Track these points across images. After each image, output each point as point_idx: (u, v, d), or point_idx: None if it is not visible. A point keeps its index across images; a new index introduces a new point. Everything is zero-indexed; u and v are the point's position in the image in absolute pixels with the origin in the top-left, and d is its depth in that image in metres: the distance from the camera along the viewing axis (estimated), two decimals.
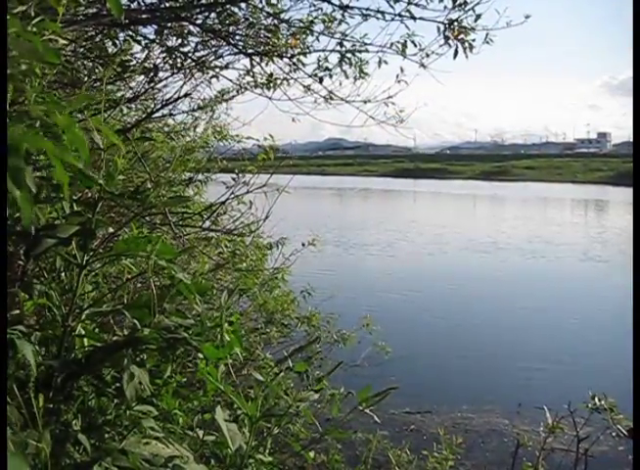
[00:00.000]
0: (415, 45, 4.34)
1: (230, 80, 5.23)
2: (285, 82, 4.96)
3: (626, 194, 73.08)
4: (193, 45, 5.13)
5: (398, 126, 4.91)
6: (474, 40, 4.25)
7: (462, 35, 4.21)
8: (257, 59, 4.88)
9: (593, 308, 17.04)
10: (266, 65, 4.84)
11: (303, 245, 6.41)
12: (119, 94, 5.08)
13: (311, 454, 2.53)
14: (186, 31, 5.08)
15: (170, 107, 4.91)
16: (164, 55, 4.84)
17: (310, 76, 4.72)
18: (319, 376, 2.66)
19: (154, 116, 5.05)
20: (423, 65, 4.37)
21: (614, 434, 8.26)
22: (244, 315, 6.23)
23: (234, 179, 4.10)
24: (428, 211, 51.66)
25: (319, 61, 4.66)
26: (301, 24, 4.72)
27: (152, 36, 4.91)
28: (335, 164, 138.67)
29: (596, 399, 6.08)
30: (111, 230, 2.10)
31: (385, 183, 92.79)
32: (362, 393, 2.16)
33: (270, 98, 4.94)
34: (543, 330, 14.77)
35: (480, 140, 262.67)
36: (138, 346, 1.90)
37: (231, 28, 4.93)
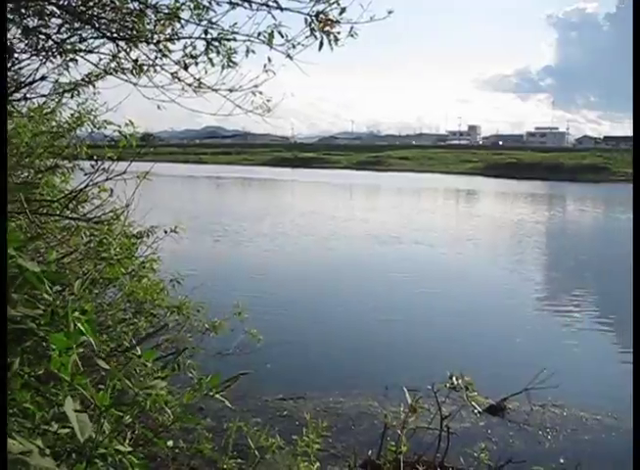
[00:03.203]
0: (282, 36, 4.37)
1: (94, 65, 5.08)
2: (152, 69, 4.86)
3: (493, 184, 77.03)
4: (55, 27, 4.94)
5: (268, 115, 4.94)
6: (339, 33, 4.33)
7: (327, 27, 4.28)
8: (123, 44, 4.77)
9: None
10: (130, 50, 4.74)
11: (166, 232, 6.35)
12: None
13: (170, 443, 2.53)
14: (48, 12, 4.88)
15: (26, 90, 4.71)
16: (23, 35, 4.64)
17: (177, 63, 4.67)
18: (164, 363, 2.66)
19: (8, 98, 4.83)
20: (289, 55, 4.41)
21: (476, 411, 8.76)
22: (112, 306, 6.10)
23: (93, 166, 4.01)
24: (307, 201, 52.19)
25: (185, 48, 4.61)
26: (168, 10, 4.65)
27: (10, 15, 4.69)
28: (213, 153, 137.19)
29: (454, 379, 6.44)
30: None
31: (263, 172, 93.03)
32: (212, 379, 2.19)
33: (135, 84, 4.84)
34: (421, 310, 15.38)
35: (356, 131, 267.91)
36: None
37: (95, 11, 4.79)
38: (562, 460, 6.41)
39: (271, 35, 4.42)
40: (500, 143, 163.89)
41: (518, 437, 8.67)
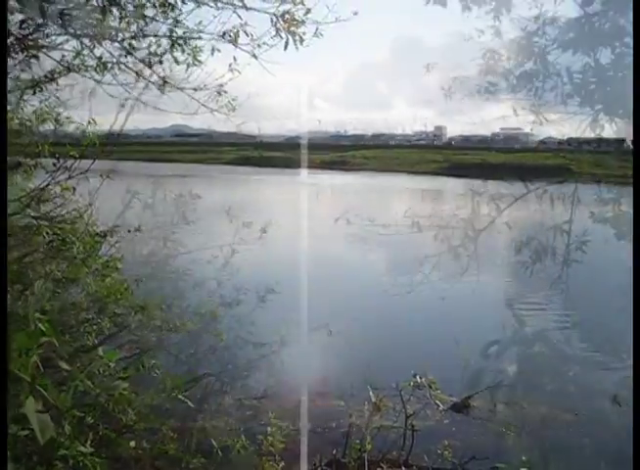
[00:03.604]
0: (247, 35, 4.38)
1: (58, 61, 5.01)
2: (116, 67, 4.81)
3: (459, 184, 77.47)
4: (17, 23, 4.87)
5: (233, 115, 4.94)
6: (304, 33, 4.36)
7: (293, 28, 4.29)
8: (87, 41, 4.71)
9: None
10: (94, 47, 4.69)
11: (129, 231, 6.32)
12: None
13: (132, 443, 2.51)
14: (10, 7, 4.80)
15: None
16: None
17: (141, 61, 4.63)
18: (127, 364, 2.64)
19: None
20: (254, 55, 4.42)
21: (440, 409, 8.84)
22: (75, 305, 6.02)
23: (55, 164, 3.96)
24: (271, 200, 52.00)
25: (150, 46, 4.58)
26: (133, 8, 4.61)
27: None
28: (179, 152, 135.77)
29: (417, 377, 6.52)
30: None
31: (228, 171, 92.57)
32: (176, 380, 2.19)
33: (99, 82, 4.79)
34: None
35: (322, 130, 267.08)
36: None
37: (59, 7, 4.72)
38: (524, 458, 6.52)
39: (237, 34, 4.42)
40: (460, 144, 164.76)
41: (481, 433, 8.78)
